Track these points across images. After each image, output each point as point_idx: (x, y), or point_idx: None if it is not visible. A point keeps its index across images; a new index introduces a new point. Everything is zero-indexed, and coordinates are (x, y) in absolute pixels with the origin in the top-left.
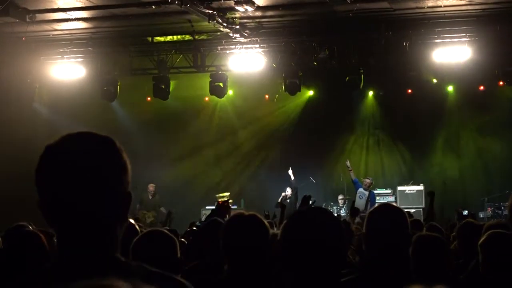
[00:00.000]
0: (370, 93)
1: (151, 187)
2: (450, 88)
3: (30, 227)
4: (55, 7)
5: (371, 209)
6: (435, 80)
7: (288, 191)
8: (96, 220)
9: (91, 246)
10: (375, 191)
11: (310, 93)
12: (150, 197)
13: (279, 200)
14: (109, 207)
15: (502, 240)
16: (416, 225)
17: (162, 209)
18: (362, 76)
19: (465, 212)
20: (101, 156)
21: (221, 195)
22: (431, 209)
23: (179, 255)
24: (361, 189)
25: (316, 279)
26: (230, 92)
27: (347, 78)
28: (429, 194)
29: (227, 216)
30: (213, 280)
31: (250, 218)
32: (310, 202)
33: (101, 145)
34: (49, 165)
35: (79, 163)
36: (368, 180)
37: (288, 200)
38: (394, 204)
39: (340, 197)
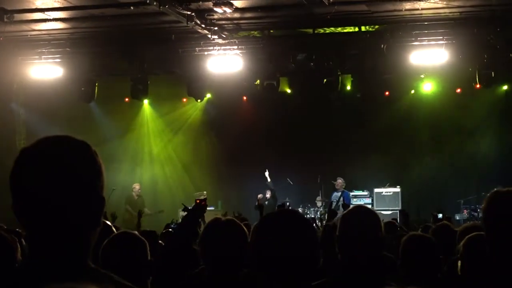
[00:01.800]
0: (348, 95)
1: (137, 186)
2: (427, 89)
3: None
4: (33, 7)
5: (344, 212)
6: (413, 91)
7: (268, 193)
8: (69, 225)
9: (62, 251)
10: (352, 193)
11: (288, 95)
12: (136, 197)
13: (257, 202)
14: (82, 212)
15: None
16: (390, 227)
17: (146, 209)
18: (340, 78)
19: (440, 215)
20: (75, 160)
21: (198, 193)
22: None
23: (149, 257)
24: (334, 193)
25: (287, 282)
26: (208, 93)
27: (325, 80)
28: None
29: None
30: (192, 285)
31: (228, 224)
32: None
33: (76, 149)
34: (23, 169)
35: (53, 168)
36: (339, 181)
37: (266, 203)
38: (367, 206)
39: (318, 198)
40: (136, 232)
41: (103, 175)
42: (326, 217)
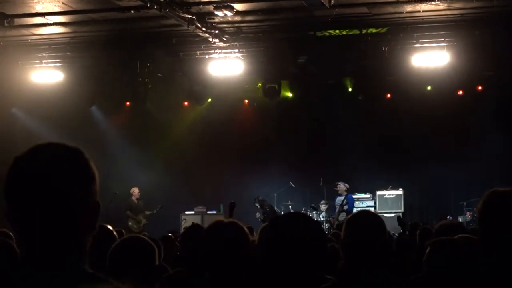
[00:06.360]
0: (349, 98)
1: (136, 189)
2: (429, 92)
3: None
4: (34, 11)
5: (348, 216)
6: (429, 88)
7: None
8: (64, 231)
9: (57, 257)
10: (354, 196)
11: (290, 98)
12: (136, 201)
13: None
14: (75, 218)
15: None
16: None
17: (147, 212)
18: (346, 81)
19: (450, 218)
20: (68, 167)
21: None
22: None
23: (157, 262)
24: (337, 198)
25: (296, 283)
26: (209, 97)
27: (327, 82)
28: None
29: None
30: (194, 287)
31: (229, 225)
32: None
33: (68, 156)
34: (16, 177)
35: (46, 175)
36: (340, 185)
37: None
38: (371, 210)
39: (322, 202)
40: (145, 237)
41: (96, 180)
42: (329, 219)
